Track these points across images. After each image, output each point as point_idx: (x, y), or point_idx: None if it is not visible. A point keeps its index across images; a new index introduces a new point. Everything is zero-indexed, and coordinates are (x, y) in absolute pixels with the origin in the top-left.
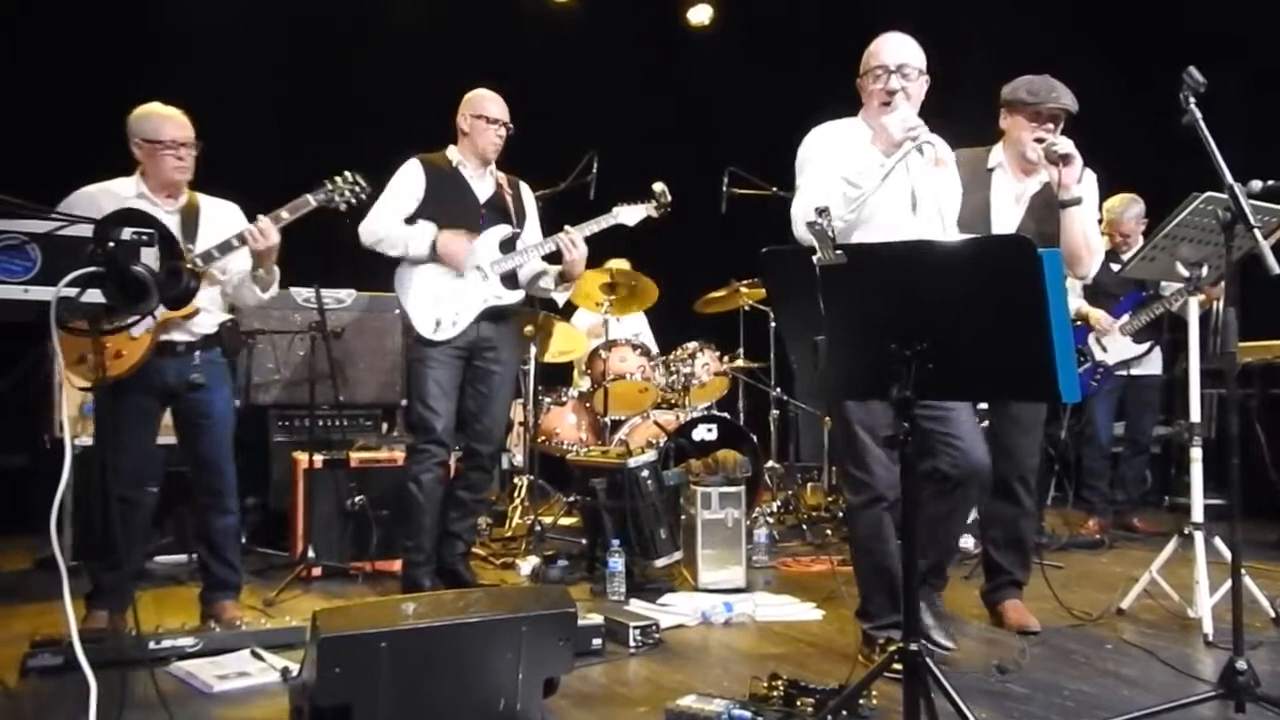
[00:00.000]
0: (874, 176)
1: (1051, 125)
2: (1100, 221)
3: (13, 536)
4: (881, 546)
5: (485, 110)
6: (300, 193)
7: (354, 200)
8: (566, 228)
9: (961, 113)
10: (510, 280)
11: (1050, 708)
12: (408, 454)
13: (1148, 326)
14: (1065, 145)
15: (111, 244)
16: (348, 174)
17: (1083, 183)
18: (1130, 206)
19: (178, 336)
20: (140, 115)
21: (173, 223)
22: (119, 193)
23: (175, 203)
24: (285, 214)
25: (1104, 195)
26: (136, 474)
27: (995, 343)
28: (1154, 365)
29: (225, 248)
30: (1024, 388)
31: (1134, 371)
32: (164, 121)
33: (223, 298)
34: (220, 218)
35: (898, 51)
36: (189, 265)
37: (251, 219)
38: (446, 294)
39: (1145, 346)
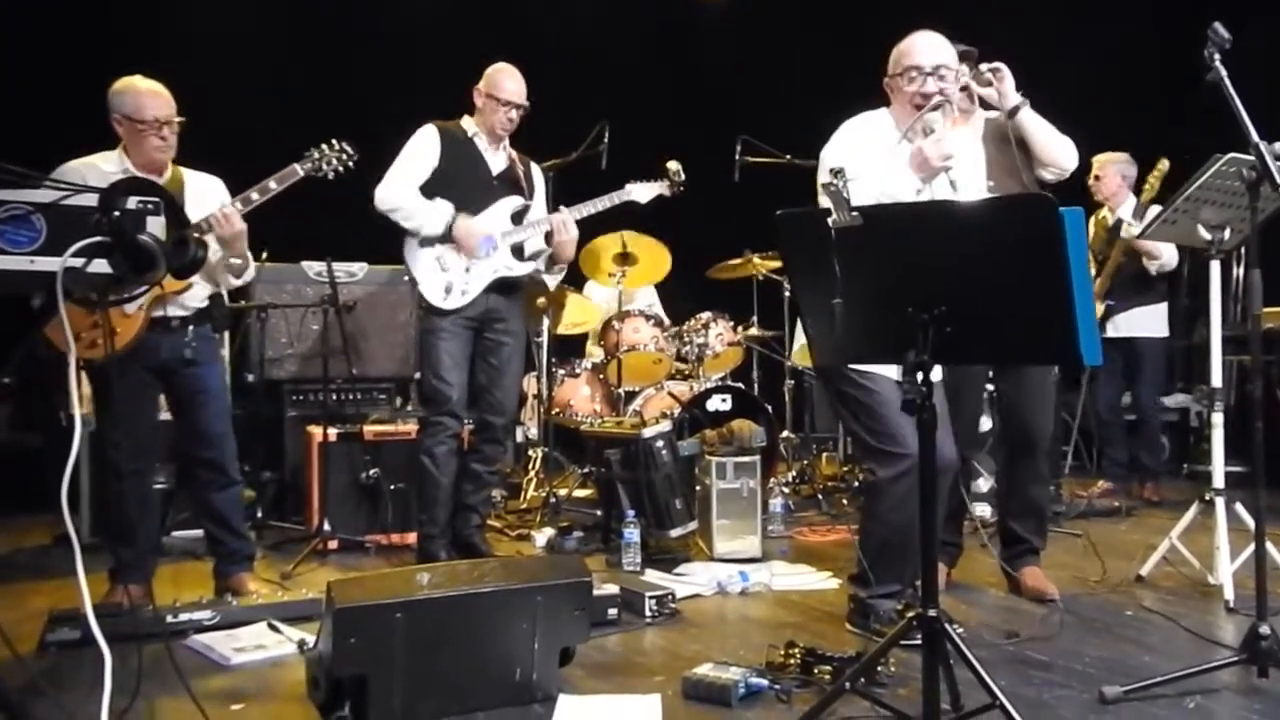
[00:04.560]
0: (909, 198)
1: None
2: (1090, 174)
3: (33, 514)
4: (902, 519)
5: (499, 91)
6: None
7: (341, 169)
8: (561, 208)
9: None
10: (520, 252)
11: (1070, 674)
12: (421, 427)
13: (1130, 285)
14: (987, 65)
15: (117, 213)
16: (334, 141)
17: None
18: (1116, 162)
19: (172, 311)
20: (120, 90)
21: None
22: (103, 168)
23: (161, 177)
24: (274, 184)
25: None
26: (140, 446)
27: (1014, 304)
28: (1153, 327)
29: (196, 229)
30: (1044, 350)
31: (1127, 334)
32: (145, 98)
33: (210, 273)
34: (205, 192)
35: (933, 52)
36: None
37: (238, 194)
38: (456, 263)
39: (1103, 308)
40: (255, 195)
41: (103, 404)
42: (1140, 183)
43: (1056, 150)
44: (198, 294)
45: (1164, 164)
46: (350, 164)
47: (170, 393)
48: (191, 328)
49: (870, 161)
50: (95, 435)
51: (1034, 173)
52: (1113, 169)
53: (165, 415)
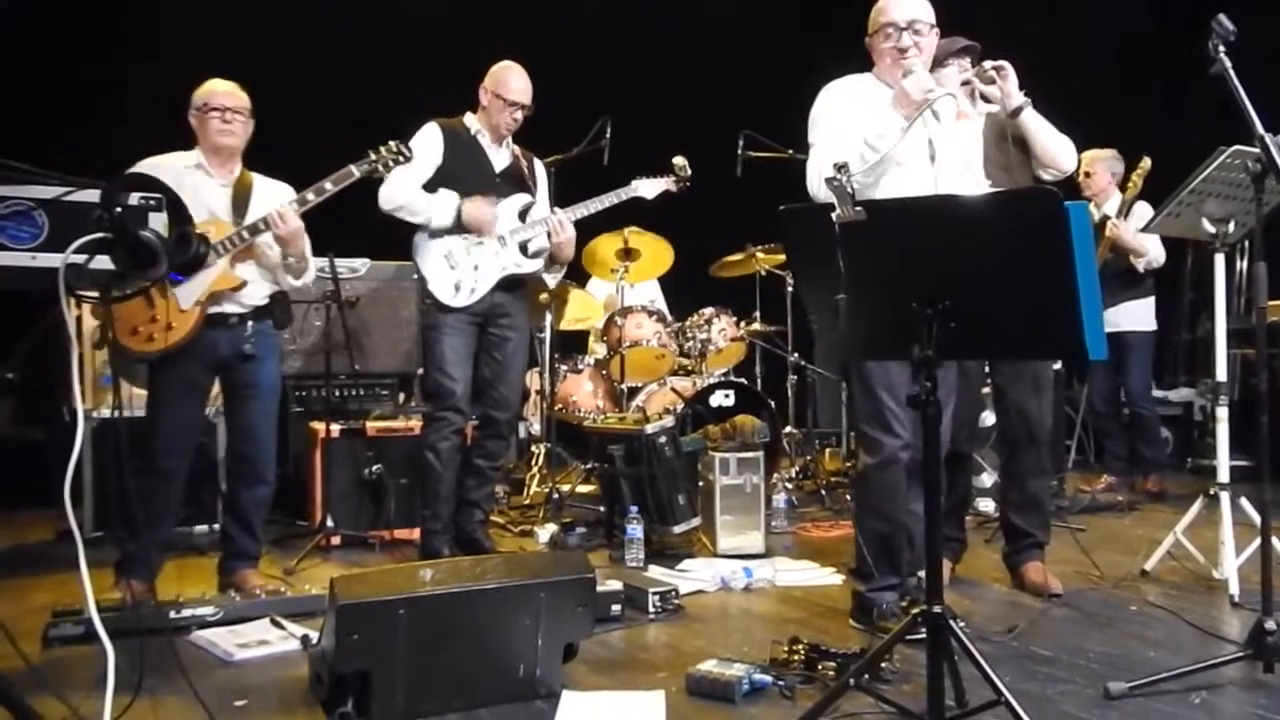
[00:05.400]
0: (892, 139)
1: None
2: (1079, 170)
3: (36, 509)
4: (891, 508)
5: (505, 91)
6: (321, 169)
7: (395, 168)
8: (556, 209)
9: None
10: (527, 249)
11: (1075, 670)
12: (425, 422)
13: (1116, 281)
14: (991, 62)
15: (119, 209)
16: (392, 144)
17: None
18: (1105, 159)
19: (229, 308)
20: (200, 90)
21: (224, 197)
22: (177, 164)
23: (230, 176)
24: (329, 185)
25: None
26: (176, 444)
27: (1020, 300)
28: (1140, 321)
29: (254, 229)
30: (1049, 345)
31: (1115, 328)
32: (217, 91)
33: (271, 272)
34: (272, 197)
35: (908, 8)
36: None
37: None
38: (465, 260)
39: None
40: (311, 196)
41: (153, 397)
42: (1125, 180)
43: (1056, 151)
44: (256, 292)
45: (1146, 162)
46: (406, 162)
47: (224, 386)
48: (251, 323)
49: (853, 113)
50: (98, 431)
51: (1032, 172)
52: (1101, 165)
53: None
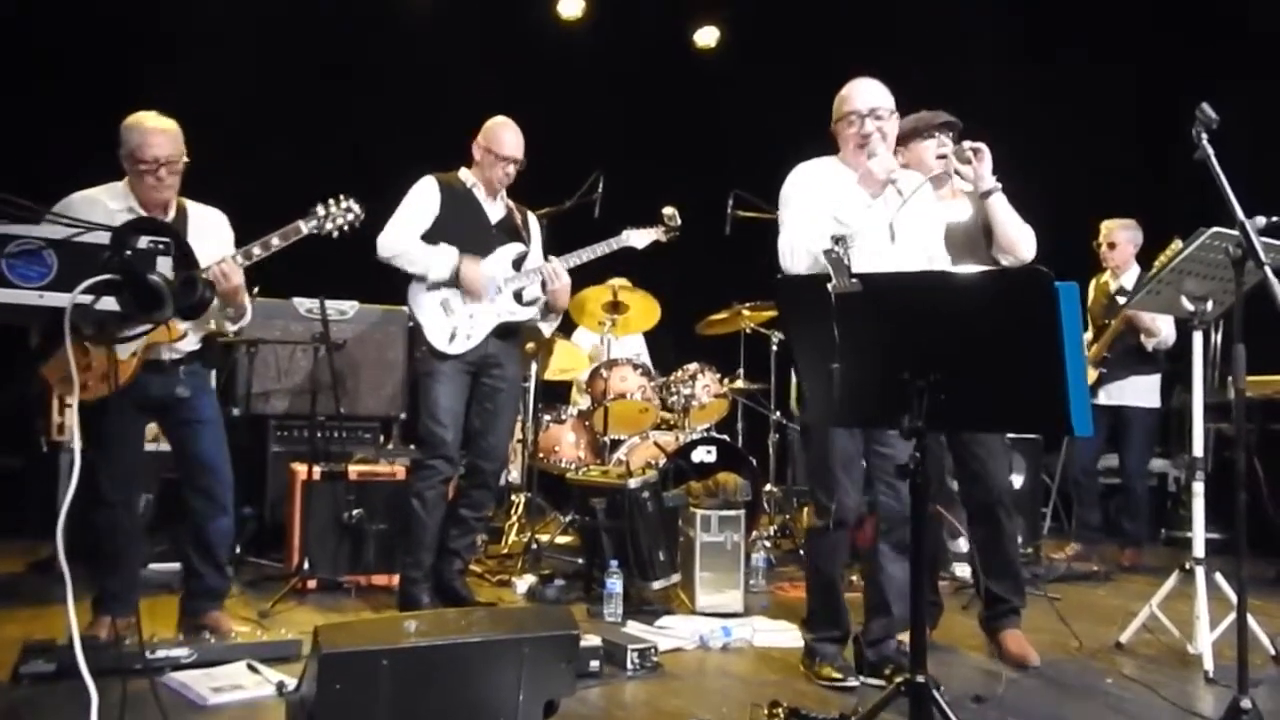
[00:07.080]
0: (859, 216)
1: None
2: (1098, 241)
3: (6, 539)
4: (833, 568)
5: (498, 146)
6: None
7: (346, 227)
8: (550, 258)
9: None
10: (521, 297)
11: None
12: (412, 468)
13: (1127, 356)
14: (970, 143)
15: (128, 252)
16: (340, 198)
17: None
18: (1129, 229)
19: (164, 355)
20: (129, 125)
21: None
22: (108, 203)
23: (164, 215)
24: (276, 240)
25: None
26: (121, 478)
27: (1009, 375)
28: (1145, 397)
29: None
30: (1036, 420)
31: (1118, 402)
32: (149, 137)
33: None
34: (207, 227)
35: (869, 97)
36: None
37: (245, 232)
38: (461, 308)
39: (1096, 374)
40: (257, 250)
41: (92, 437)
42: (1152, 257)
43: (1017, 238)
44: (193, 339)
45: (1177, 244)
46: (356, 224)
47: (164, 426)
48: (182, 366)
49: (821, 193)
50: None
51: (991, 254)
52: (1124, 236)
53: (151, 445)
